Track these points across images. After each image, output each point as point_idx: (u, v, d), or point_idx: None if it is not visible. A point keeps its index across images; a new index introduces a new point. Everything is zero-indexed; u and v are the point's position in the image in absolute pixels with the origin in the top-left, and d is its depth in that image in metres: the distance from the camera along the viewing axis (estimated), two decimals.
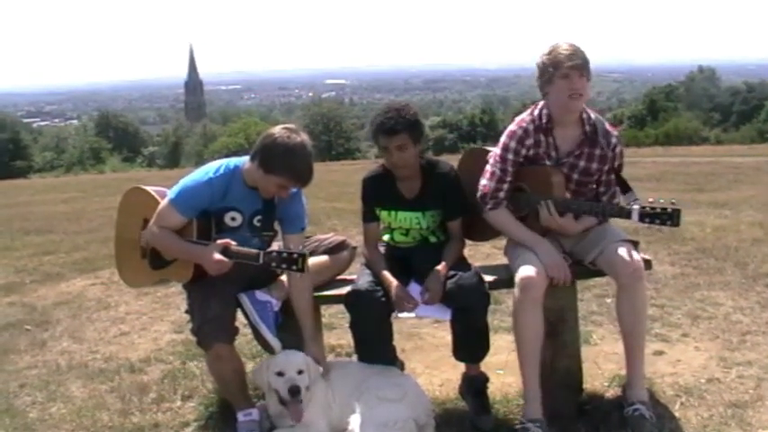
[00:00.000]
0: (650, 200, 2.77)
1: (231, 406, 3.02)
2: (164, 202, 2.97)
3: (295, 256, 2.71)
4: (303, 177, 2.91)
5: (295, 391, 2.76)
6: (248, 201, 3.00)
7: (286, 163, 2.84)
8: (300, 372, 2.81)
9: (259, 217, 3.04)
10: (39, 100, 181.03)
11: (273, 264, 2.74)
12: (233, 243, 2.85)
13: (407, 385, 2.88)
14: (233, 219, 3.01)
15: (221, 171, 2.97)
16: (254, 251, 2.80)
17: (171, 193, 2.98)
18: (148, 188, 3.20)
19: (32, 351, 4.26)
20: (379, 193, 3.12)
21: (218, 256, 2.80)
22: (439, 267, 2.93)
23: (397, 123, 2.90)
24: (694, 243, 5.74)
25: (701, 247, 5.59)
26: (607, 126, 3.00)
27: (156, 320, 4.73)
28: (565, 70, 2.82)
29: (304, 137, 2.92)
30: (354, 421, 2.73)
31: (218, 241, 2.85)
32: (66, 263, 6.71)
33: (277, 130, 2.93)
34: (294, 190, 3.02)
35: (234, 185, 2.97)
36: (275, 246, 3.00)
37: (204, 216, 2.96)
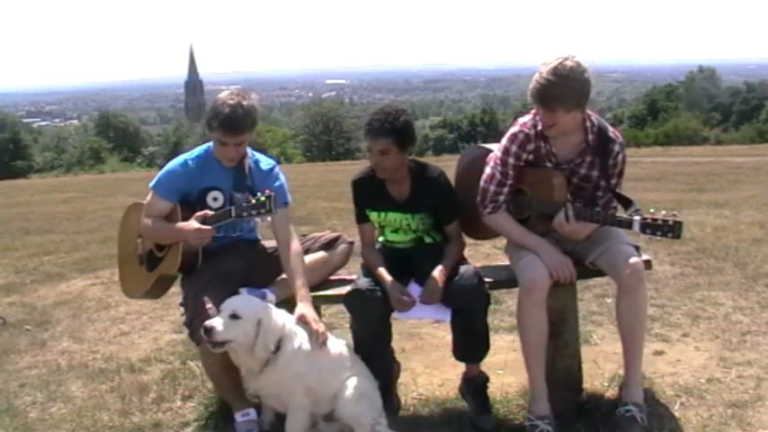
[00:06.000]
0: (651, 210, 2.76)
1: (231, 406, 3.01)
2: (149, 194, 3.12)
3: (262, 199, 2.85)
4: (229, 124, 2.95)
5: (206, 329, 2.67)
6: (222, 176, 3.10)
7: (217, 115, 2.95)
8: (235, 316, 2.70)
9: (238, 194, 3.11)
10: (39, 100, 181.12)
11: (245, 214, 2.89)
12: (209, 212, 2.95)
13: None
14: (215, 199, 3.11)
15: (195, 153, 3.15)
16: (227, 209, 2.95)
17: (152, 180, 3.12)
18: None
19: (32, 351, 4.26)
20: (368, 195, 3.11)
21: (196, 224, 2.91)
22: (439, 268, 2.93)
23: (383, 127, 2.89)
24: (694, 243, 5.74)
25: (701, 247, 5.59)
26: (610, 133, 2.95)
27: (156, 320, 4.73)
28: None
29: (246, 97, 2.99)
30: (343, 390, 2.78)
31: (197, 213, 2.96)
32: (67, 263, 6.71)
33: (223, 93, 3.04)
34: (270, 167, 3.15)
35: (208, 164, 3.10)
36: (259, 220, 3.12)
37: (187, 204, 3.07)
